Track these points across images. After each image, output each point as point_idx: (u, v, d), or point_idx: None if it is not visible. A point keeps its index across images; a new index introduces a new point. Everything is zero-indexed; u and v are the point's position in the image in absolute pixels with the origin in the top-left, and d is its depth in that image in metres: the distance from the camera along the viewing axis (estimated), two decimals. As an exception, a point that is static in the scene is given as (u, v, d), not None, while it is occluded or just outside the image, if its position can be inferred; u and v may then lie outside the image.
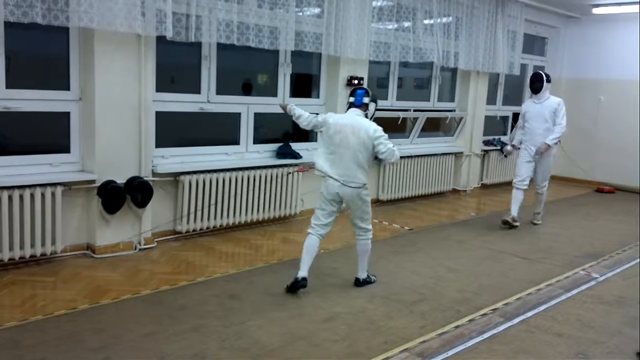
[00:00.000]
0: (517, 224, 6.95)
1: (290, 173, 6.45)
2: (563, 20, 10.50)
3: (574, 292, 4.82)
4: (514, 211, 6.94)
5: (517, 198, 6.96)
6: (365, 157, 4.36)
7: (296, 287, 4.38)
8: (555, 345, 3.78)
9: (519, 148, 7.13)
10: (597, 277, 5.22)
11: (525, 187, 6.96)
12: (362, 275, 4.70)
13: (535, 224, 7.24)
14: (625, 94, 10.05)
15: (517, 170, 7.07)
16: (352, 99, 4.52)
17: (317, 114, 4.74)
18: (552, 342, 3.82)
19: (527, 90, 10.29)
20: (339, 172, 4.37)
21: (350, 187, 4.37)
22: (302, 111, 4.77)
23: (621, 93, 10.10)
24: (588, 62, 10.45)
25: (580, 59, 10.54)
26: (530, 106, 6.99)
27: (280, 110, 4.88)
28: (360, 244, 4.63)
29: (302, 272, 4.42)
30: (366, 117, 4.49)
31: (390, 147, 4.32)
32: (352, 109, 4.50)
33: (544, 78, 6.85)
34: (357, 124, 4.36)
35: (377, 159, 4.57)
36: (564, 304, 4.55)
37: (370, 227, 4.62)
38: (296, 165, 6.50)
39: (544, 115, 6.79)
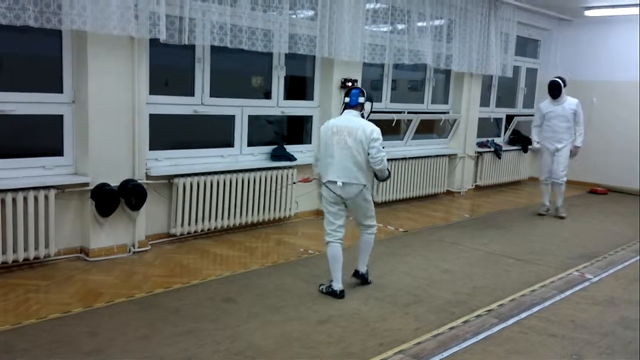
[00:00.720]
0: (549, 212, 8.00)
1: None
2: (555, 23, 10.54)
3: (568, 293, 4.84)
4: (547, 202, 8.01)
5: (546, 192, 7.98)
6: (363, 158, 4.32)
7: (338, 298, 4.43)
8: (549, 346, 3.79)
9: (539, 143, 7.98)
10: (590, 278, 5.24)
11: (551, 182, 7.86)
12: (363, 269, 4.70)
13: (561, 217, 7.72)
14: (618, 96, 10.10)
15: (542, 169, 7.99)
16: (347, 100, 4.50)
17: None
18: (546, 343, 3.84)
19: (521, 92, 10.56)
20: (338, 174, 4.36)
21: (351, 189, 4.37)
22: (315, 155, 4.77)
23: (614, 94, 10.15)
24: (581, 64, 10.48)
25: (573, 61, 10.56)
26: (550, 107, 7.73)
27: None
28: (364, 237, 4.64)
29: (339, 284, 4.47)
30: (362, 117, 4.48)
31: (381, 155, 4.30)
32: (348, 110, 4.47)
33: (562, 85, 7.56)
34: (354, 125, 4.35)
35: None
36: (558, 305, 4.57)
37: (374, 223, 4.64)
38: (290, 167, 6.51)
39: (566, 116, 7.63)
